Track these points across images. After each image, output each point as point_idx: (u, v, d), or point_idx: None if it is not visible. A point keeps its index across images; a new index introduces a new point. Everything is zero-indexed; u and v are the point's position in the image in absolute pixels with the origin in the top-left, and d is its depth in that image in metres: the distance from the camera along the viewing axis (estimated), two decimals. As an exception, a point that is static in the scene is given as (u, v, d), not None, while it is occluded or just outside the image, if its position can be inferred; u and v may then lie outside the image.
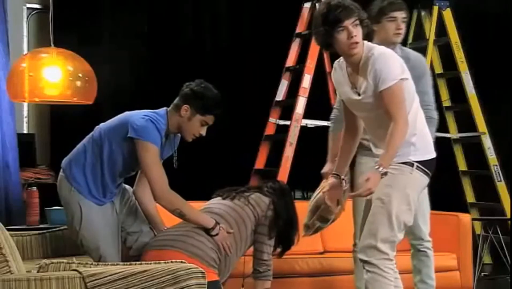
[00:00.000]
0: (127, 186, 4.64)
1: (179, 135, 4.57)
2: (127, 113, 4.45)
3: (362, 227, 4.16)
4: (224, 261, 4.33)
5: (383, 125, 3.96)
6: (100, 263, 4.20)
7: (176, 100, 4.45)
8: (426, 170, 4.06)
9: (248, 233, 4.51)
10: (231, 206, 4.53)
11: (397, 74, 3.91)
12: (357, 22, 3.90)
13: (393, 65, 3.94)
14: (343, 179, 4.18)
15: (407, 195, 4.02)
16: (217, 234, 4.33)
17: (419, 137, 4.06)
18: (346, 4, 3.93)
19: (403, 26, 4.83)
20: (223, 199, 4.60)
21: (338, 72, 4.13)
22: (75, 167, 4.44)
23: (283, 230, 4.64)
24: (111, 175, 4.43)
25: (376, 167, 3.86)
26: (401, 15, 4.82)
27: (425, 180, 4.10)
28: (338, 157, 4.25)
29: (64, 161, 4.50)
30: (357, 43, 3.91)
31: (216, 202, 4.60)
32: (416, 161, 4.05)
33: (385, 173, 3.87)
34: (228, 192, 4.64)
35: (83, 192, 4.41)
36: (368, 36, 4.00)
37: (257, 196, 4.61)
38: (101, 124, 4.50)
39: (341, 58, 4.12)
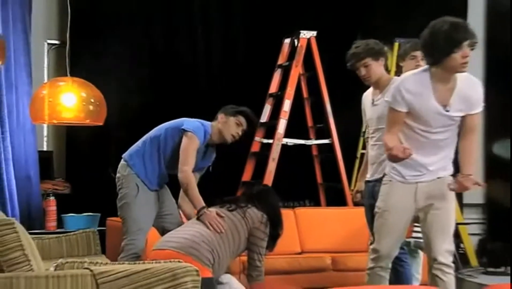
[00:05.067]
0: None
1: (214, 155, 4.87)
2: (184, 118, 4.79)
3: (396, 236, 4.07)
4: (218, 261, 4.29)
5: (437, 146, 3.92)
6: (128, 244, 4.62)
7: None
8: None
9: (242, 240, 4.46)
10: (227, 215, 4.49)
11: None
12: (472, 44, 3.72)
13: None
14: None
15: None
16: (201, 215, 4.45)
17: None
18: (467, 25, 3.75)
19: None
20: (220, 207, 4.55)
21: (417, 83, 3.86)
22: (136, 157, 4.73)
23: (272, 231, 4.61)
24: (166, 164, 4.71)
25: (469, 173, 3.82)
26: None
27: None
28: None
29: (125, 154, 4.79)
30: (467, 63, 3.75)
31: (213, 210, 4.56)
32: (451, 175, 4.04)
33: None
34: (224, 202, 4.61)
35: (141, 176, 4.68)
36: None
37: (253, 211, 4.53)
38: (162, 124, 4.83)
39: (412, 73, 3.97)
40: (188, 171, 4.55)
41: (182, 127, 4.63)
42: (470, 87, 3.87)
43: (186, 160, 4.55)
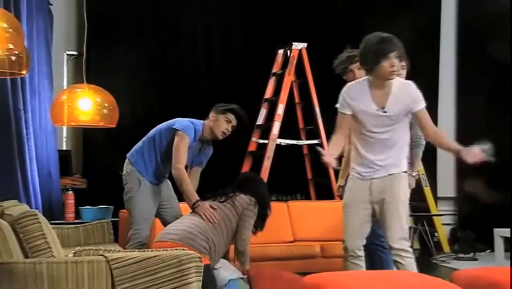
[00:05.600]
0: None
1: (209, 150, 4.83)
2: (177, 118, 4.75)
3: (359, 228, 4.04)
4: (214, 249, 4.29)
5: (385, 145, 3.94)
6: (134, 233, 4.61)
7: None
8: None
9: (233, 227, 4.45)
10: (219, 206, 4.47)
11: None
12: (399, 55, 3.84)
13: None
14: None
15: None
16: (196, 207, 4.44)
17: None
18: (393, 39, 3.85)
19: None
20: (213, 200, 4.53)
21: (358, 90, 3.96)
22: (137, 156, 4.72)
23: (261, 211, 4.61)
24: (162, 160, 4.68)
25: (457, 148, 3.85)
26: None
27: None
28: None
29: (129, 153, 4.78)
30: (394, 71, 3.85)
31: (206, 203, 4.55)
32: (404, 172, 4.03)
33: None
34: (216, 196, 4.58)
35: (142, 172, 4.67)
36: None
37: (240, 197, 4.53)
38: (158, 125, 4.80)
39: (356, 81, 4.04)
40: (181, 168, 4.51)
41: (174, 127, 4.61)
42: (403, 89, 3.95)
43: (178, 158, 4.51)
